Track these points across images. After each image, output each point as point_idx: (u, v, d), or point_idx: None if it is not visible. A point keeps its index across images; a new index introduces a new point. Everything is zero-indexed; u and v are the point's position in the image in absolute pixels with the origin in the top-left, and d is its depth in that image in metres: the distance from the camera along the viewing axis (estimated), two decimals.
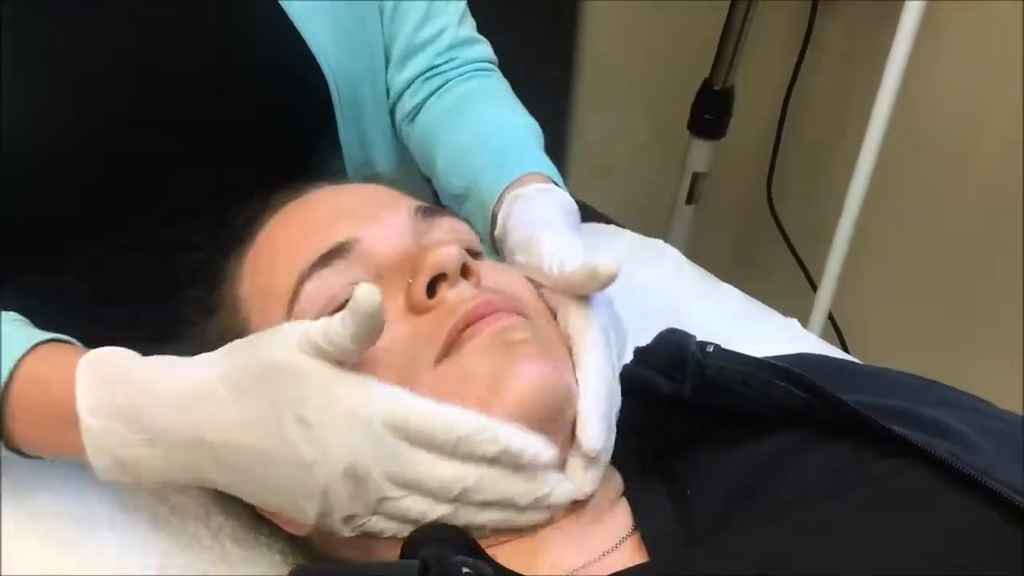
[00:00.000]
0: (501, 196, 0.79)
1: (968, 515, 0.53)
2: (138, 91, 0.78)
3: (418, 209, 0.68)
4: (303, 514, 0.58)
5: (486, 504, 0.57)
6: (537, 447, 0.57)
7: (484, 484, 0.56)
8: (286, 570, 0.67)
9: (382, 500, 0.56)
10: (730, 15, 1.56)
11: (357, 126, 0.91)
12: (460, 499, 0.57)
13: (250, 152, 0.83)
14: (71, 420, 0.61)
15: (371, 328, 0.55)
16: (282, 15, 0.83)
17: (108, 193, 0.79)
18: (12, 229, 0.74)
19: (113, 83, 0.77)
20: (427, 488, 0.56)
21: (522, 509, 0.58)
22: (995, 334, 1.62)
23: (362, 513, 0.57)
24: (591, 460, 0.61)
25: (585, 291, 0.65)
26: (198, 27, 0.81)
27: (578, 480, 0.61)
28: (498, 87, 0.97)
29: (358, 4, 0.89)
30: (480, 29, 1.01)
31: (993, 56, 1.48)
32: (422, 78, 0.94)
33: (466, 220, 0.74)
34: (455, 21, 0.96)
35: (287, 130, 0.87)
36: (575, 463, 0.61)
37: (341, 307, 0.61)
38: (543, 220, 0.74)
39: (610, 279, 0.63)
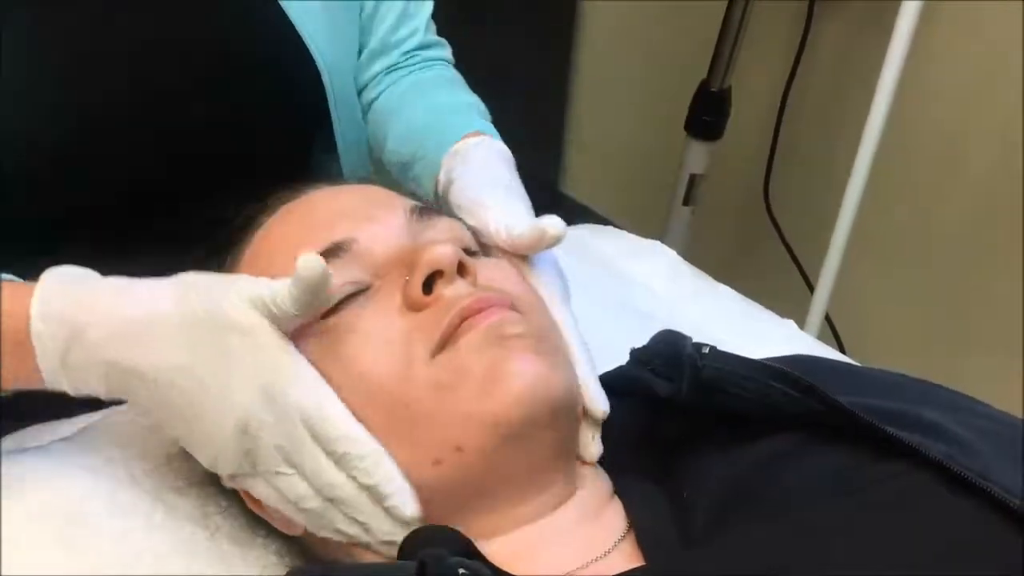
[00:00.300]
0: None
1: (965, 517, 0.53)
2: (133, 87, 0.78)
3: (414, 209, 0.68)
4: (200, 456, 0.62)
5: (351, 519, 0.60)
6: (403, 498, 0.59)
7: (354, 502, 0.59)
8: (283, 571, 0.67)
9: (268, 471, 0.59)
10: (727, 16, 1.56)
11: (352, 124, 0.92)
12: (333, 503, 0.60)
13: (247, 149, 0.83)
14: (20, 342, 0.62)
15: (314, 296, 0.58)
16: (281, 14, 0.83)
17: (101, 191, 0.79)
18: (4, 223, 0.75)
19: (107, 79, 0.77)
20: (308, 479, 0.59)
21: (376, 539, 0.60)
22: (992, 334, 1.62)
23: (248, 472, 0.60)
24: (597, 425, 0.65)
25: (533, 251, 0.70)
26: (196, 24, 0.81)
27: (589, 447, 0.65)
28: (451, 77, 1.01)
29: (350, 4, 0.90)
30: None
31: (990, 55, 1.49)
32: (385, 72, 0.98)
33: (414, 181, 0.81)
34: (424, 24, 1.01)
35: (284, 128, 0.87)
36: (585, 433, 0.65)
37: (337, 306, 0.62)
38: (489, 180, 0.77)
39: (557, 239, 0.67)
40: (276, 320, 0.59)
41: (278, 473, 0.59)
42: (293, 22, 0.84)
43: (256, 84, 0.84)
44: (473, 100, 0.96)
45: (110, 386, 0.63)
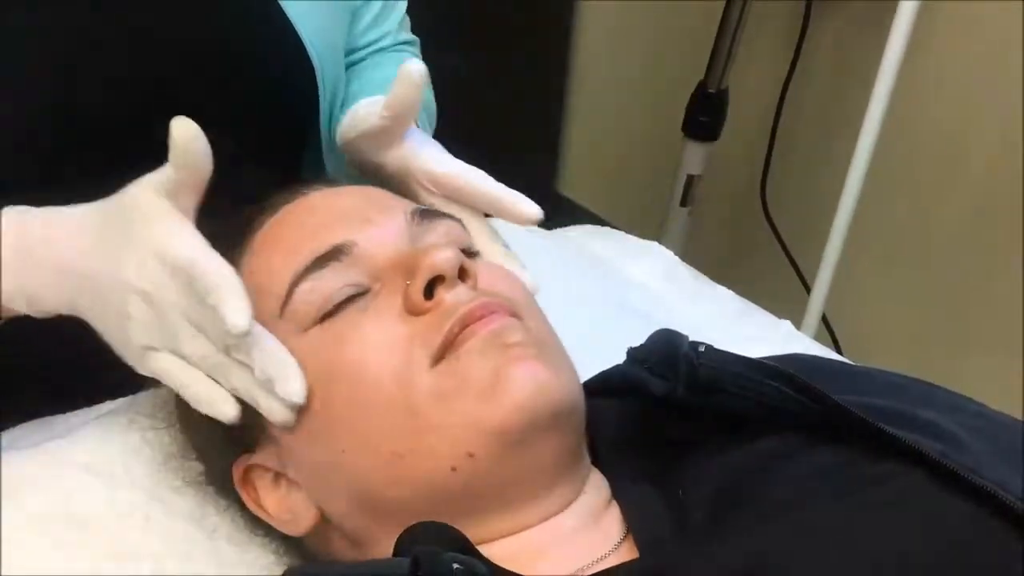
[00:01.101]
0: None
1: (962, 516, 0.53)
2: (127, 83, 0.78)
3: (414, 212, 0.68)
4: (116, 339, 0.64)
5: (243, 365, 0.61)
6: (234, 310, 0.58)
7: (248, 342, 0.60)
8: (281, 570, 0.67)
9: (176, 335, 0.61)
10: (724, 17, 1.56)
11: (330, 121, 0.92)
12: (230, 351, 0.60)
13: (239, 146, 0.83)
14: None
15: (186, 155, 0.60)
16: (279, 11, 0.83)
17: (92, 187, 0.79)
18: None
19: (101, 74, 0.77)
20: (209, 330, 0.60)
21: (262, 385, 0.61)
22: (991, 334, 1.62)
23: (157, 346, 0.62)
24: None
25: (407, 98, 0.73)
26: (192, 19, 0.81)
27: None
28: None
29: (344, 4, 0.90)
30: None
31: (987, 55, 1.49)
32: (349, 66, 0.99)
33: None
34: (395, 27, 1.01)
35: (278, 125, 0.87)
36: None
37: (336, 309, 0.62)
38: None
39: (420, 74, 0.71)
40: (175, 197, 0.61)
41: (182, 336, 0.60)
42: (291, 20, 0.84)
43: (251, 80, 0.84)
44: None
45: (56, 296, 0.65)
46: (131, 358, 0.64)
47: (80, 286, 0.64)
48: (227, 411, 0.62)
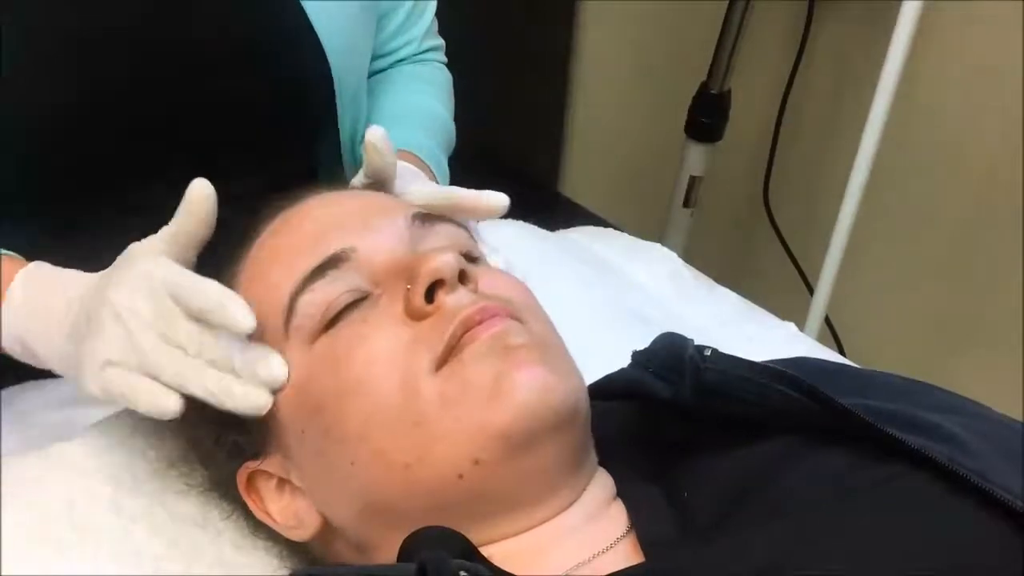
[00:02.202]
0: None
1: (964, 517, 0.53)
2: (135, 72, 0.79)
3: (415, 216, 0.68)
4: (74, 353, 0.66)
5: (213, 363, 0.62)
6: (240, 313, 0.61)
7: (217, 344, 0.62)
8: (284, 574, 0.67)
9: (145, 351, 0.62)
10: (727, 19, 1.56)
11: (354, 123, 0.92)
12: (201, 355, 0.62)
13: (248, 141, 0.83)
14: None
15: (196, 210, 0.65)
16: (298, 10, 0.84)
17: (101, 177, 0.79)
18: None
19: (111, 64, 0.77)
20: (179, 339, 0.62)
21: (239, 379, 0.62)
22: (992, 335, 1.62)
23: (118, 361, 0.63)
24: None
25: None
26: (206, 10, 0.81)
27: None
28: (429, 77, 1.02)
29: (369, 4, 0.90)
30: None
31: (989, 58, 1.49)
32: (373, 74, 0.99)
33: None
34: (421, 33, 1.02)
35: (290, 120, 0.87)
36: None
37: (338, 316, 0.61)
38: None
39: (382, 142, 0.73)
40: (172, 247, 0.66)
41: (153, 352, 0.62)
42: (309, 17, 0.84)
43: (263, 74, 0.84)
44: (438, 111, 0.98)
45: (49, 339, 0.69)
46: (85, 372, 0.65)
47: (67, 309, 0.67)
48: (171, 404, 0.62)
